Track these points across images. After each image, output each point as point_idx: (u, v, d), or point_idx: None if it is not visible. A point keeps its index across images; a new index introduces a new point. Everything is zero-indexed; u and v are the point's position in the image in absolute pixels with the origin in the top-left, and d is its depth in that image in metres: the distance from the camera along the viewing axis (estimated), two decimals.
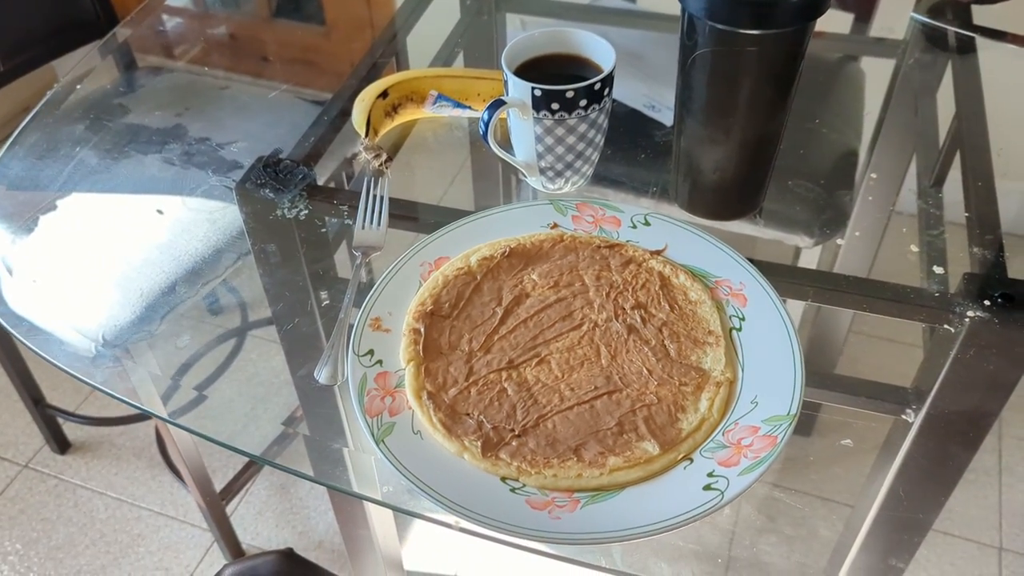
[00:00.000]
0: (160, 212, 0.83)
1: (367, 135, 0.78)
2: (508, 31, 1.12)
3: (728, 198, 0.71)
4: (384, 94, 0.80)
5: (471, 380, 0.58)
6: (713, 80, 0.63)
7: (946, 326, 0.65)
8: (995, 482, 0.65)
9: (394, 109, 0.81)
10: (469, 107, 0.82)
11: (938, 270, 0.68)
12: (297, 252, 0.73)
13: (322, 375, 0.60)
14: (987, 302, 0.65)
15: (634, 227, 0.69)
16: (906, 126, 0.90)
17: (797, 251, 0.77)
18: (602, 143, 0.74)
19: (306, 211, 0.75)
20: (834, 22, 1.05)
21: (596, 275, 0.65)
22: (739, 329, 0.61)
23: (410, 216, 0.77)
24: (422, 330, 0.61)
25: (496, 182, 0.82)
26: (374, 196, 0.73)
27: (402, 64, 1.03)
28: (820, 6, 0.59)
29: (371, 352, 0.60)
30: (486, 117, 0.68)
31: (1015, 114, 0.89)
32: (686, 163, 0.70)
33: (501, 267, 0.66)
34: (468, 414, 0.56)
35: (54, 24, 1.46)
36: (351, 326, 0.61)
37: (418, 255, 0.67)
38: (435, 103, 0.82)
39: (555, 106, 0.67)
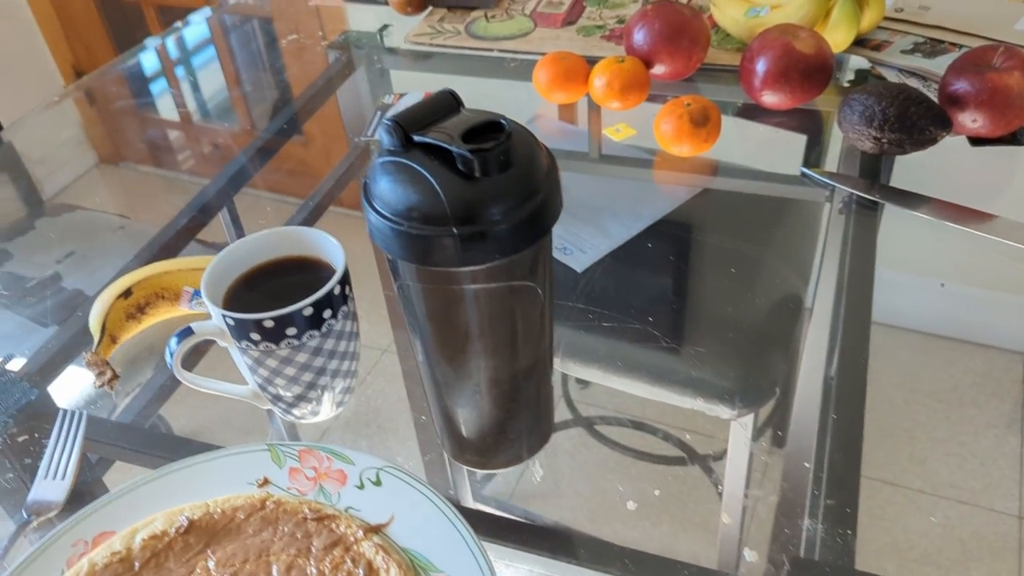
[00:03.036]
0: None
1: (99, 344, 0.65)
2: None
3: (487, 446, 0.55)
4: (127, 293, 0.68)
5: None
6: (429, 317, 0.48)
7: None
8: None
9: (140, 310, 0.68)
10: None
11: (750, 556, 0.51)
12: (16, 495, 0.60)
13: None
14: None
15: (361, 487, 0.54)
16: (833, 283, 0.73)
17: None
18: (347, 366, 0.59)
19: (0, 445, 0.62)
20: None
21: (288, 564, 0.50)
22: None
23: (139, 450, 0.63)
24: None
25: None
26: (67, 435, 0.59)
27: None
28: (542, 222, 0.44)
29: None
30: (172, 347, 0.54)
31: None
32: (435, 406, 0.55)
33: (172, 549, 0.51)
34: None
35: None
36: None
37: (74, 531, 0.52)
38: (191, 300, 0.69)
39: (255, 336, 0.54)
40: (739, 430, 0.65)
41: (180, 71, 1.27)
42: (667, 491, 0.56)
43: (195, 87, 1.23)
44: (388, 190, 0.44)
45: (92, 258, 0.98)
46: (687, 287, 0.74)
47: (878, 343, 0.65)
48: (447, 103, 0.46)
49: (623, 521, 0.54)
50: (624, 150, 0.90)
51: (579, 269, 0.75)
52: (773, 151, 0.90)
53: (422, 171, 0.42)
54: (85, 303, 0.79)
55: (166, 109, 1.19)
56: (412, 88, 1.03)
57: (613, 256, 0.76)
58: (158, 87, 1.22)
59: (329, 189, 0.94)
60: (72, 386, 0.69)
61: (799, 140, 0.92)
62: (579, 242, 0.77)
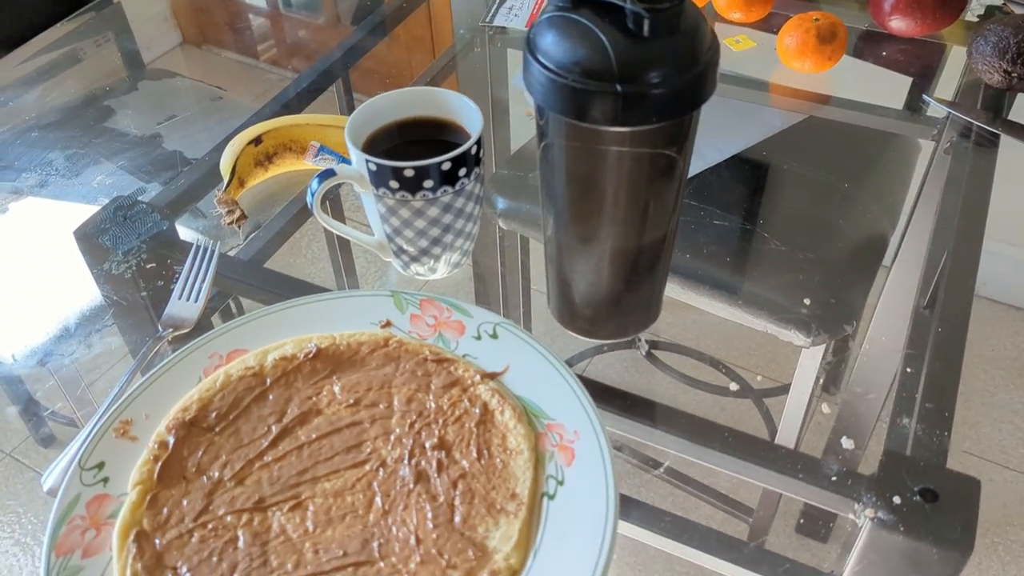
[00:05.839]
0: None
1: (228, 185, 0.69)
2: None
3: (600, 316, 0.58)
4: (257, 140, 0.71)
5: (200, 521, 0.47)
6: (569, 179, 0.50)
7: (852, 516, 0.50)
8: None
9: (268, 159, 0.71)
10: None
11: (847, 443, 0.53)
12: (140, 312, 0.64)
13: (48, 482, 0.50)
14: (897, 499, 0.49)
15: (479, 338, 0.57)
16: (928, 223, 0.73)
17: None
18: (470, 228, 0.62)
19: (133, 267, 0.66)
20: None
21: (408, 396, 0.54)
22: (552, 496, 0.48)
23: (262, 287, 0.67)
24: (170, 444, 0.50)
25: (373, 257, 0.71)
26: (200, 262, 0.63)
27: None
28: (701, 93, 0.46)
29: (100, 465, 0.50)
30: (314, 187, 0.57)
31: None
32: (554, 270, 0.57)
33: (301, 371, 0.55)
34: (175, 568, 0.45)
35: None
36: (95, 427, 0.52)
37: (211, 344, 0.56)
38: (317, 155, 0.71)
39: (394, 184, 0.56)
40: (807, 361, 0.66)
41: None
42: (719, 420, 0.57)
43: None
44: (554, 43, 0.45)
45: (191, 123, 1.02)
46: (772, 214, 0.74)
47: None
48: None
49: None
50: (734, 68, 0.89)
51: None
52: (884, 83, 0.88)
53: (591, 27, 0.44)
54: (179, 163, 0.83)
55: None
56: None
57: (702, 177, 0.76)
58: None
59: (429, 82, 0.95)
60: (197, 223, 0.72)
61: (912, 75, 0.90)
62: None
